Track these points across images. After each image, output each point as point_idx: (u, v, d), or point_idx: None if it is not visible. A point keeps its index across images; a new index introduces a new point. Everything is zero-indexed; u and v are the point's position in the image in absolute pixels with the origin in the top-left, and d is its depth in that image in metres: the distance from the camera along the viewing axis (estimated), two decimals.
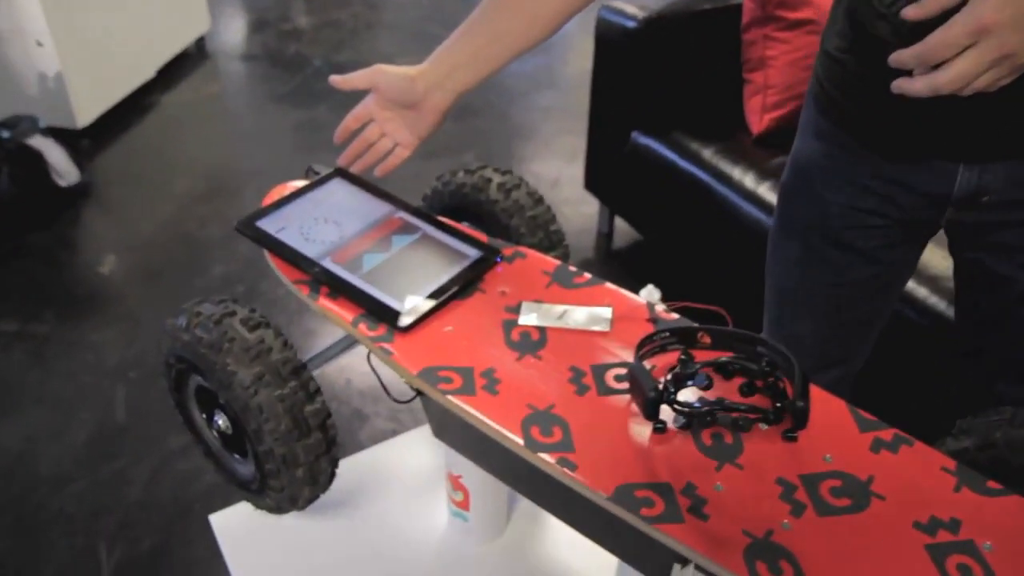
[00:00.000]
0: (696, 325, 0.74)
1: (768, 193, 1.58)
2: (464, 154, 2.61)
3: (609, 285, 0.81)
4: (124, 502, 1.44)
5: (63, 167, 2.30)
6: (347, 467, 0.97)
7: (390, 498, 0.95)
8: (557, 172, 2.51)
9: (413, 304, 0.76)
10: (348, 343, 0.87)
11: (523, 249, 0.85)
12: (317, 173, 0.96)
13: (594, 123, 2.00)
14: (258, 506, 0.80)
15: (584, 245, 2.18)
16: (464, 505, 0.86)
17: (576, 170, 2.48)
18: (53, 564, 1.36)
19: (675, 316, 0.77)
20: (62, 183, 2.32)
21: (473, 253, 0.83)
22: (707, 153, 1.71)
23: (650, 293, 1.04)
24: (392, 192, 0.92)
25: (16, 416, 1.65)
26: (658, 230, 1.96)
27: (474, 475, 0.84)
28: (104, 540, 1.39)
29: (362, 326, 0.75)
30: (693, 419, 0.63)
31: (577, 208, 2.32)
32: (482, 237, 0.86)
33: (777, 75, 1.70)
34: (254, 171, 2.56)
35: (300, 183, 0.95)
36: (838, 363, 0.95)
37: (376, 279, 0.79)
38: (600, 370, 0.72)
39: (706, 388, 0.67)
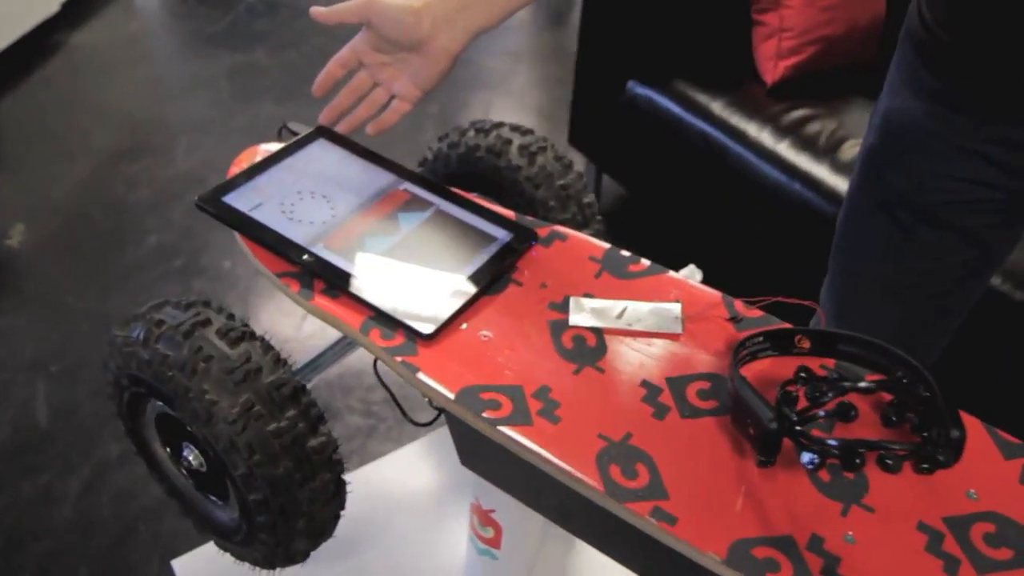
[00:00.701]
0: (796, 327, 0.63)
1: (788, 152, 1.48)
2: (427, 106, 2.45)
3: (672, 274, 0.70)
4: (51, 525, 1.29)
5: None
6: None
7: (396, 531, 0.83)
8: (534, 124, 2.38)
9: (437, 303, 0.63)
10: (346, 346, 0.74)
11: (561, 229, 0.72)
12: (295, 133, 0.82)
13: (583, 70, 1.87)
14: (240, 558, 0.67)
15: None
16: (495, 543, 0.75)
17: (555, 126, 2.35)
18: None
19: (756, 312, 0.66)
20: None
21: (501, 235, 0.71)
22: (716, 106, 1.60)
23: (691, 274, 0.93)
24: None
25: None
26: (656, 192, 1.86)
27: (510, 510, 0.73)
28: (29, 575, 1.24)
29: (374, 333, 0.62)
30: (825, 458, 0.52)
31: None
32: (508, 213, 0.73)
33: (794, 16, 1.58)
34: (186, 124, 2.36)
35: (273, 146, 0.80)
36: None
37: (382, 271, 0.66)
38: (679, 385, 0.60)
39: (847, 418, 0.56)
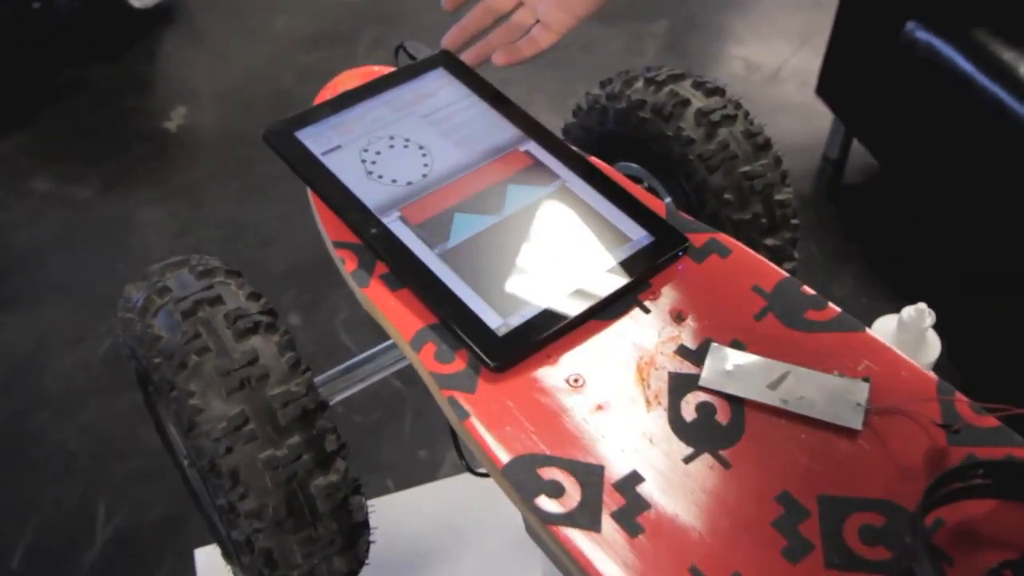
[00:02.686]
0: None
1: None
2: (651, 23, 2.28)
3: (870, 332, 0.55)
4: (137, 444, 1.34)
5: None
6: None
7: None
8: (779, 61, 2.16)
9: (522, 320, 0.53)
10: (394, 361, 0.65)
11: (724, 239, 0.59)
12: (413, 57, 0.73)
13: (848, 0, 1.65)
14: None
15: (800, 173, 1.85)
16: None
17: (808, 62, 2.11)
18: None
19: (988, 421, 0.50)
20: (137, 3, 2.21)
21: (639, 236, 0.59)
22: None
23: (919, 317, 0.76)
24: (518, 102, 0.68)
25: (30, 310, 1.57)
26: (918, 171, 1.62)
27: None
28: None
29: (427, 350, 0.53)
30: None
31: (799, 118, 1.98)
32: (658, 206, 0.61)
33: None
34: (379, 12, 2.35)
35: (382, 69, 0.72)
36: None
37: (467, 263, 0.56)
38: (836, 511, 0.47)
39: None
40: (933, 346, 0.78)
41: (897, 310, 0.77)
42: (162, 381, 0.51)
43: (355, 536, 0.53)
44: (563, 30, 0.68)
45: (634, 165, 0.75)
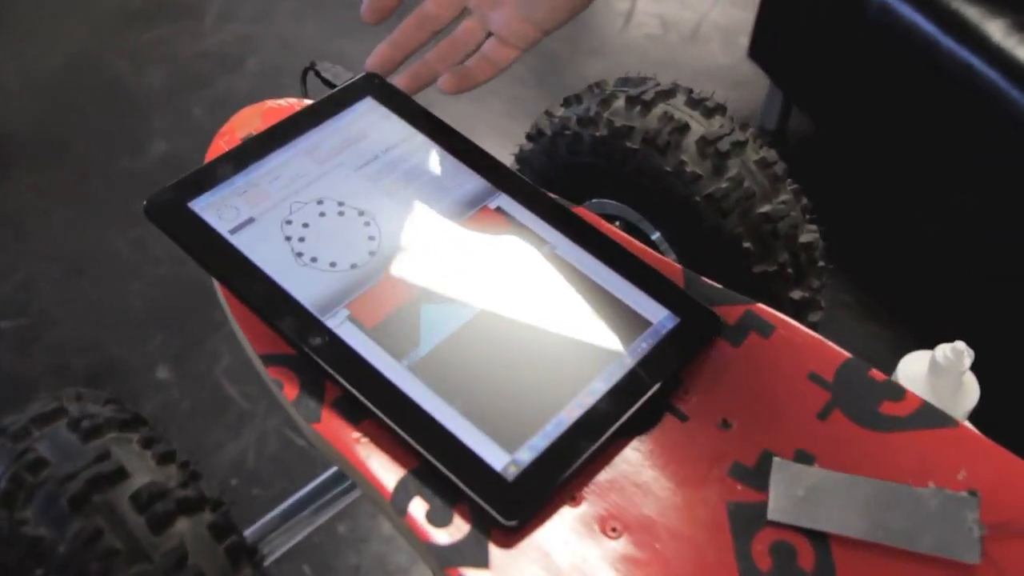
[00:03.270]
0: None
1: None
2: None
3: (967, 425, 0.49)
4: None
5: None
6: None
7: None
8: (696, 16, 2.12)
9: (538, 455, 0.45)
10: (342, 493, 0.56)
11: (765, 312, 0.53)
12: (329, 84, 0.63)
13: None
14: None
15: None
16: None
17: (727, 15, 2.08)
18: None
19: None
20: None
21: (661, 318, 0.52)
22: (995, 30, 1.34)
23: (957, 358, 0.71)
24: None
25: None
26: (871, 141, 1.61)
27: None
28: None
29: (416, 510, 0.44)
30: None
31: (729, 84, 1.95)
32: (674, 272, 0.54)
33: None
34: None
35: (290, 103, 0.62)
36: None
37: (447, 377, 0.48)
38: None
39: None
40: (971, 391, 0.74)
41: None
42: None
43: None
44: (525, 46, 0.60)
45: (610, 202, 0.67)
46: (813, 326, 0.53)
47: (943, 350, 0.73)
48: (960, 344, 0.72)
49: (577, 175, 0.67)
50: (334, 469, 0.57)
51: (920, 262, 1.61)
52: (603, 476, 0.47)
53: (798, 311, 0.62)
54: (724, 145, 0.60)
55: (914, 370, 0.76)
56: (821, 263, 0.64)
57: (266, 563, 0.51)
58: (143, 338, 1.42)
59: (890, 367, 0.66)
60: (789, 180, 0.63)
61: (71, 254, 1.57)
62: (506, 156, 0.63)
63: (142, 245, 1.56)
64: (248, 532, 0.53)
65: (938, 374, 0.73)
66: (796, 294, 0.62)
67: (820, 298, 0.64)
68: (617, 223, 0.68)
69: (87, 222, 1.63)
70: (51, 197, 1.70)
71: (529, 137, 0.71)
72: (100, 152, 1.78)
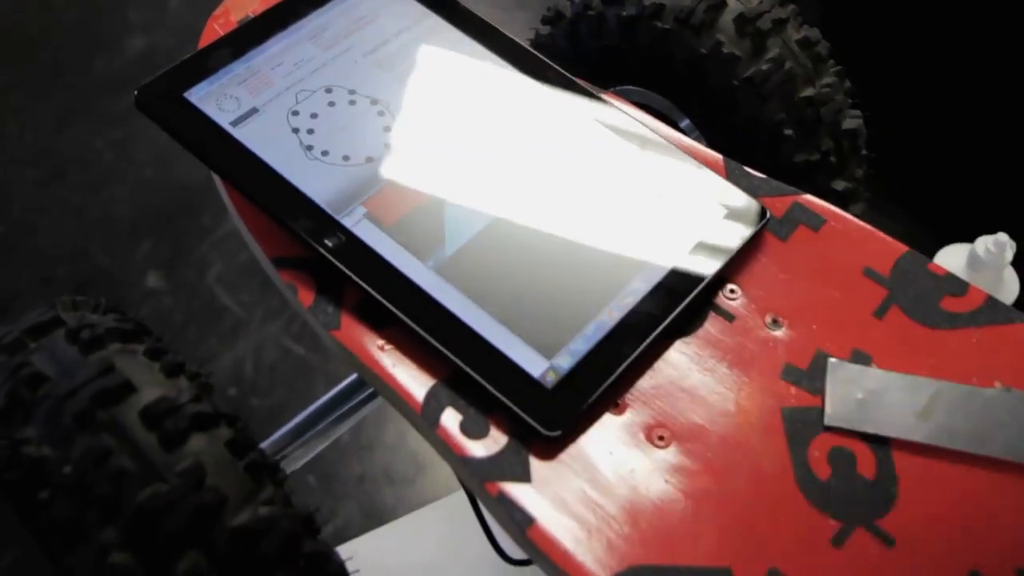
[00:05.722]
0: None
1: None
2: None
3: None
4: None
5: None
6: None
7: None
8: None
9: (578, 360, 0.43)
10: (364, 401, 0.54)
11: (814, 203, 0.50)
12: None
13: None
14: None
15: None
16: None
17: None
18: None
19: None
20: None
21: (705, 210, 0.48)
22: None
23: (1000, 251, 0.69)
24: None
25: None
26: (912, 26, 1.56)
27: None
28: None
29: (448, 421, 0.42)
30: None
31: None
32: (714, 164, 0.50)
33: None
34: None
35: None
36: None
37: (478, 279, 0.45)
38: None
39: None
40: (1011, 286, 0.71)
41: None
42: (55, 527, 0.38)
43: None
44: None
45: (635, 88, 0.63)
46: (858, 219, 0.50)
47: (984, 242, 0.70)
48: (1003, 236, 0.70)
49: (600, 60, 0.63)
50: (350, 379, 0.54)
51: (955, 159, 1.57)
52: (647, 382, 0.44)
53: (841, 203, 0.58)
54: (765, 23, 0.56)
55: (951, 264, 0.73)
56: (864, 151, 0.60)
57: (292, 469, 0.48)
58: (130, 245, 1.38)
59: None
60: (831, 61, 0.59)
61: (50, 157, 1.51)
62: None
63: (124, 147, 1.50)
64: (263, 446, 0.50)
65: (978, 268, 0.71)
66: (839, 185, 0.59)
67: (863, 189, 0.61)
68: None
69: (64, 123, 1.57)
70: (22, 98, 1.63)
71: (545, 20, 0.66)
72: (74, 49, 1.71)
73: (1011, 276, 0.71)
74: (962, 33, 1.42)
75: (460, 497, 0.70)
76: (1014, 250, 0.70)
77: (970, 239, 0.71)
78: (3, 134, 1.56)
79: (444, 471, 1.00)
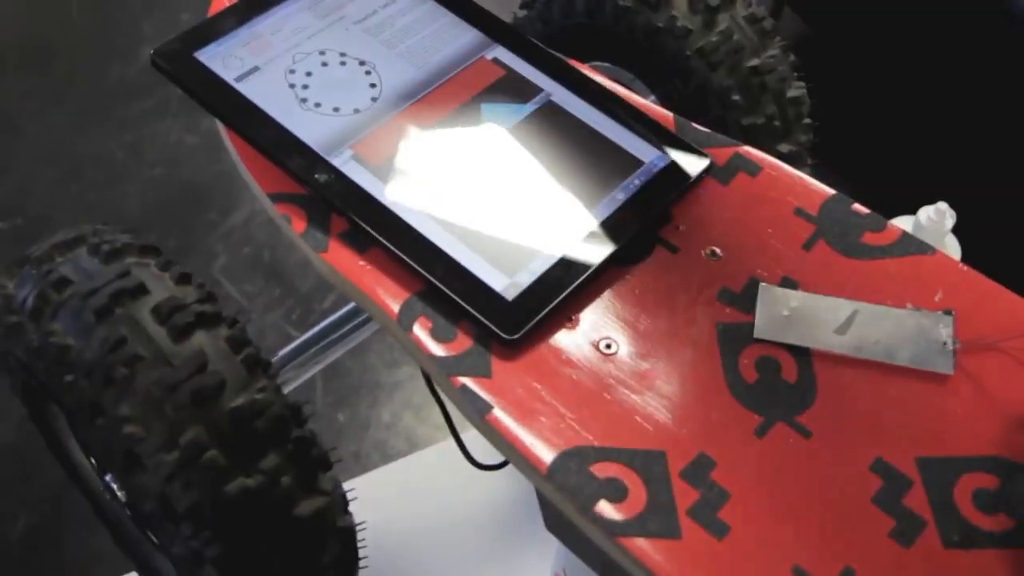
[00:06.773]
0: None
1: None
2: None
3: (944, 253, 0.52)
4: None
5: None
6: None
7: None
8: None
9: (531, 278, 0.48)
10: (360, 326, 0.59)
11: (752, 153, 0.55)
12: None
13: None
14: None
15: None
16: None
17: None
18: None
19: None
20: None
21: (651, 157, 0.54)
22: None
23: (939, 218, 0.74)
24: None
25: None
26: (864, 39, 1.61)
27: None
28: None
29: (421, 327, 0.47)
30: None
31: None
32: (665, 119, 0.56)
33: None
34: None
35: None
36: None
37: (449, 211, 0.51)
38: (941, 476, 0.45)
39: None
40: (953, 253, 0.77)
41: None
42: (79, 404, 0.43)
43: (348, 564, 0.48)
44: None
45: (607, 64, 0.69)
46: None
47: (926, 211, 0.76)
48: (943, 204, 0.76)
49: (571, 38, 0.69)
50: (346, 308, 0.59)
51: (906, 148, 1.62)
52: (598, 302, 0.50)
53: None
54: (714, 0, 0.62)
55: None
56: (807, 120, 0.66)
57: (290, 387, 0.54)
58: None
59: None
60: (778, 37, 0.65)
61: (66, 157, 1.58)
62: None
63: (137, 149, 1.57)
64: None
65: (921, 235, 0.77)
66: (784, 147, 0.64)
67: (806, 154, 0.67)
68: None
69: (81, 127, 1.64)
70: (42, 102, 1.70)
71: (524, 4, 0.72)
72: (91, 58, 1.78)
73: (952, 243, 0.77)
74: (909, 11, 1.47)
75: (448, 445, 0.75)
76: (954, 218, 0.75)
77: (913, 210, 0.77)
78: (24, 136, 1.62)
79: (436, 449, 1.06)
